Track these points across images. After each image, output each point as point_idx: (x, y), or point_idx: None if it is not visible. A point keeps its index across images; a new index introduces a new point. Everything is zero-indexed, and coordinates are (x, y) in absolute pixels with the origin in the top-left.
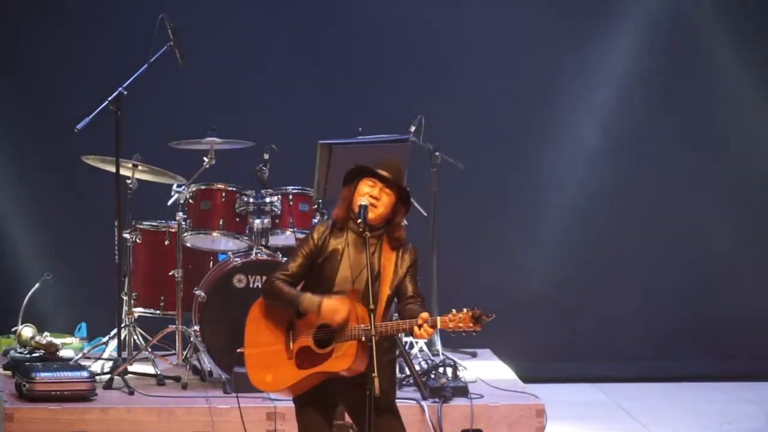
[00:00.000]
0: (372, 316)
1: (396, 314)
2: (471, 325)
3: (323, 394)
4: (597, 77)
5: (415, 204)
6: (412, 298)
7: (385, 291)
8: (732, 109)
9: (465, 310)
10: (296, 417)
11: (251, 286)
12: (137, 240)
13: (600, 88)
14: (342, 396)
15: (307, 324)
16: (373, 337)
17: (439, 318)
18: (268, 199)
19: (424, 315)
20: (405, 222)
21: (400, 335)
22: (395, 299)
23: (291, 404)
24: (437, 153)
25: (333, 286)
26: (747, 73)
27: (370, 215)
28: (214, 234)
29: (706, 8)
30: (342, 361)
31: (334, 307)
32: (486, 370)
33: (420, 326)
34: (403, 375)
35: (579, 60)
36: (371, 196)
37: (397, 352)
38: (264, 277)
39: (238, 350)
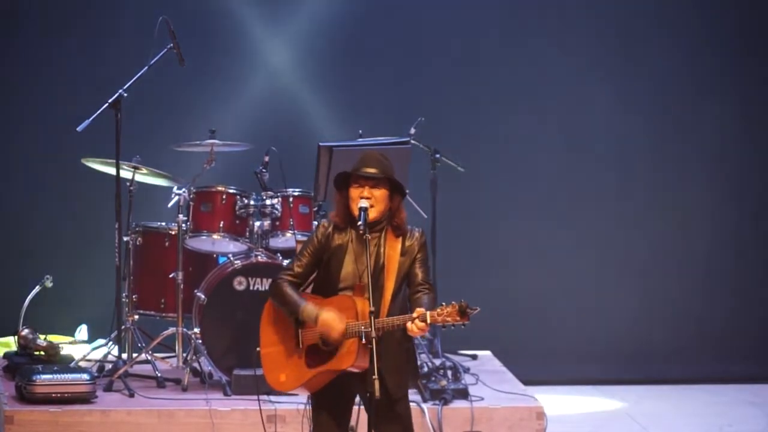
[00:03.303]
0: (372, 317)
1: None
2: (458, 318)
3: (341, 388)
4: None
5: (415, 206)
6: (420, 286)
7: (390, 283)
8: None
9: (453, 303)
10: (311, 414)
11: (251, 288)
12: (138, 242)
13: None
14: (358, 388)
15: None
16: (374, 339)
17: (428, 313)
18: (268, 202)
19: (420, 310)
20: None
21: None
22: (407, 287)
23: (291, 406)
24: (437, 155)
25: (339, 281)
26: None
27: (370, 215)
28: (215, 236)
29: None
30: (346, 358)
31: (329, 323)
32: (486, 373)
33: (413, 321)
34: None
35: (579, 59)
36: (364, 198)
37: (415, 341)
38: (264, 280)
39: (258, 349)
